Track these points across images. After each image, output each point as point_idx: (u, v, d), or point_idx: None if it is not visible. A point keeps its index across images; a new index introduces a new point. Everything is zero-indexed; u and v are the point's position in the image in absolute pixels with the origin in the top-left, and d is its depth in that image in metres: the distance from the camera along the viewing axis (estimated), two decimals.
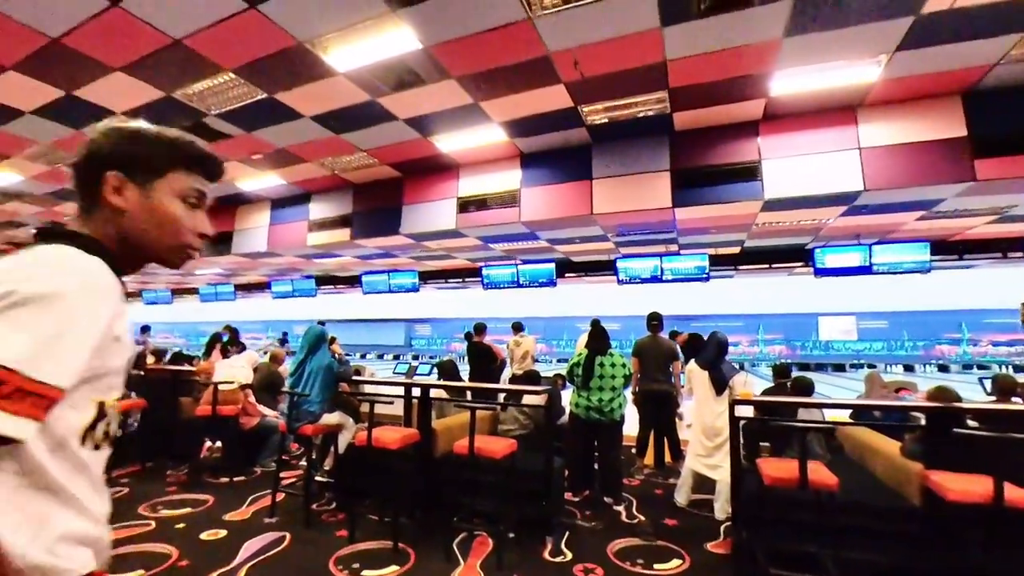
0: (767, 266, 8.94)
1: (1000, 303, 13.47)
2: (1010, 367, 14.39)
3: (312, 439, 3.98)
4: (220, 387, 4.73)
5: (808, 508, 2.83)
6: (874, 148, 4.83)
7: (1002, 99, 4.40)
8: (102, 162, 0.81)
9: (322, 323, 4.59)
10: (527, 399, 4.25)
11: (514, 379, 6.72)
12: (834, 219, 6.21)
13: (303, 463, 4.52)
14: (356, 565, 3.00)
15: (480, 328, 7.14)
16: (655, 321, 5.33)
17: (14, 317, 0.61)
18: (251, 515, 3.76)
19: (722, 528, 3.61)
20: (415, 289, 10.20)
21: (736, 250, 8.67)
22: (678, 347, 5.39)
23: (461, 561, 3.05)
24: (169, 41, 3.89)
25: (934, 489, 2.57)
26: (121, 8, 3.52)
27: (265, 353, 6.57)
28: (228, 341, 6.11)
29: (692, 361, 4.25)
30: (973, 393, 6.06)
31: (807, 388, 4.30)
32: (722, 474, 3.74)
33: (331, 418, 3.91)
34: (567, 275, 9.65)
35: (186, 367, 6.00)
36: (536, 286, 9.16)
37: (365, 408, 3.79)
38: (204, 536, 3.35)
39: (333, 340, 5.33)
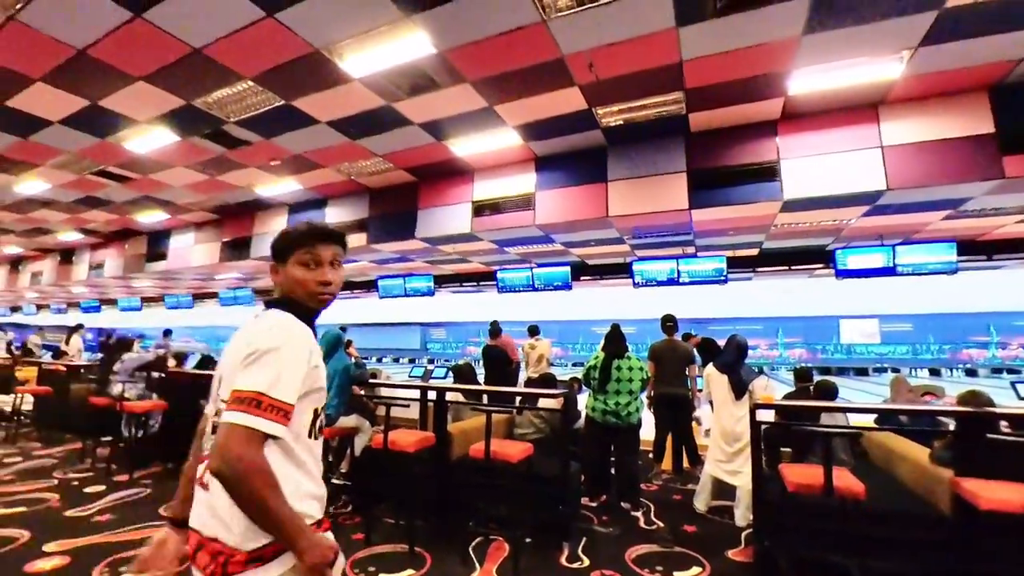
0: (787, 268, 8.78)
1: None
2: None
3: (328, 442, 4.00)
4: None
5: (833, 515, 2.75)
6: (897, 146, 4.71)
7: None
8: (271, 257, 1.29)
9: (343, 328, 4.62)
10: (543, 403, 4.22)
11: (529, 382, 6.70)
12: (856, 219, 6.08)
13: None
14: (372, 568, 2.99)
15: (495, 331, 7.13)
16: (670, 323, 5.27)
17: (260, 363, 1.05)
18: None
19: (743, 535, 3.54)
20: (430, 293, 10.23)
21: (755, 252, 8.54)
22: (694, 350, 5.32)
23: (477, 566, 3.03)
24: (189, 50, 3.97)
25: (966, 497, 2.48)
26: (143, 19, 3.60)
27: None
28: None
29: (710, 365, 4.19)
30: (1005, 398, 5.86)
31: (830, 392, 4.20)
32: (743, 480, 3.67)
33: (347, 421, 3.93)
34: (582, 278, 9.60)
35: (208, 372, 6.08)
36: (551, 289, 9.12)
37: (381, 411, 3.81)
38: None
39: (349, 343, 5.36)
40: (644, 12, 3.50)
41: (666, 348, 5.15)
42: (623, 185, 5.79)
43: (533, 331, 7.54)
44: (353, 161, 6.39)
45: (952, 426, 2.99)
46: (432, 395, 3.99)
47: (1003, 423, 2.86)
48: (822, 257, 8.00)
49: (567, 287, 9.06)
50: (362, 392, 4.40)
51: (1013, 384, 6.86)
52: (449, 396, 4.02)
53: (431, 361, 20.39)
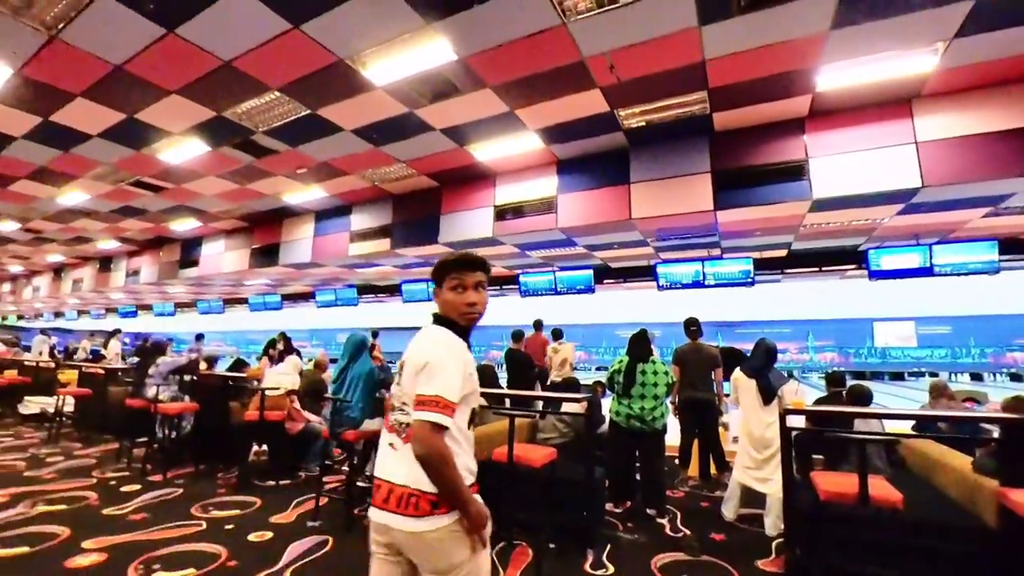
0: (816, 269, 8.53)
1: None
2: None
3: (354, 444, 4.05)
4: (267, 392, 4.89)
5: (868, 525, 2.66)
6: (932, 142, 4.55)
7: None
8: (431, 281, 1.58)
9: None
10: (566, 407, 4.18)
11: (553, 386, 6.66)
12: (889, 218, 5.88)
13: (345, 468, 4.60)
14: None
15: (518, 335, 7.12)
16: (693, 327, 5.17)
17: (431, 373, 1.36)
18: (296, 518, 3.84)
19: (773, 545, 3.44)
20: None
21: (783, 253, 8.33)
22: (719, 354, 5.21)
23: (501, 571, 3.01)
24: (219, 63, 4.10)
25: (1013, 508, 2.36)
26: (175, 34, 3.74)
27: (309, 360, 6.71)
28: (283, 349, 6.06)
29: (738, 369, 4.09)
30: None
31: (864, 397, 4.05)
32: (773, 488, 3.57)
33: (372, 424, 3.97)
34: (605, 281, 9.52)
35: (238, 374, 6.20)
36: (574, 293, 9.07)
37: None
38: (252, 538, 3.44)
39: (374, 347, 5.42)
40: (665, 12, 3.46)
41: (691, 352, 5.06)
42: (646, 187, 5.73)
43: (557, 335, 7.50)
44: (377, 167, 6.49)
45: (996, 433, 2.85)
46: None
47: None
48: (854, 258, 7.76)
49: (590, 290, 9.01)
50: (387, 395, 4.44)
51: None
52: None
53: None
